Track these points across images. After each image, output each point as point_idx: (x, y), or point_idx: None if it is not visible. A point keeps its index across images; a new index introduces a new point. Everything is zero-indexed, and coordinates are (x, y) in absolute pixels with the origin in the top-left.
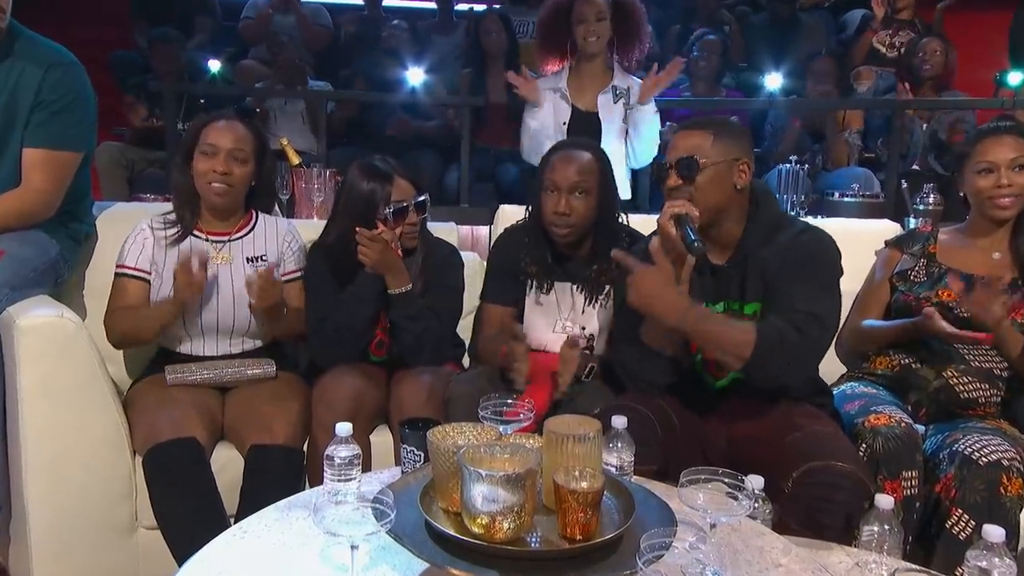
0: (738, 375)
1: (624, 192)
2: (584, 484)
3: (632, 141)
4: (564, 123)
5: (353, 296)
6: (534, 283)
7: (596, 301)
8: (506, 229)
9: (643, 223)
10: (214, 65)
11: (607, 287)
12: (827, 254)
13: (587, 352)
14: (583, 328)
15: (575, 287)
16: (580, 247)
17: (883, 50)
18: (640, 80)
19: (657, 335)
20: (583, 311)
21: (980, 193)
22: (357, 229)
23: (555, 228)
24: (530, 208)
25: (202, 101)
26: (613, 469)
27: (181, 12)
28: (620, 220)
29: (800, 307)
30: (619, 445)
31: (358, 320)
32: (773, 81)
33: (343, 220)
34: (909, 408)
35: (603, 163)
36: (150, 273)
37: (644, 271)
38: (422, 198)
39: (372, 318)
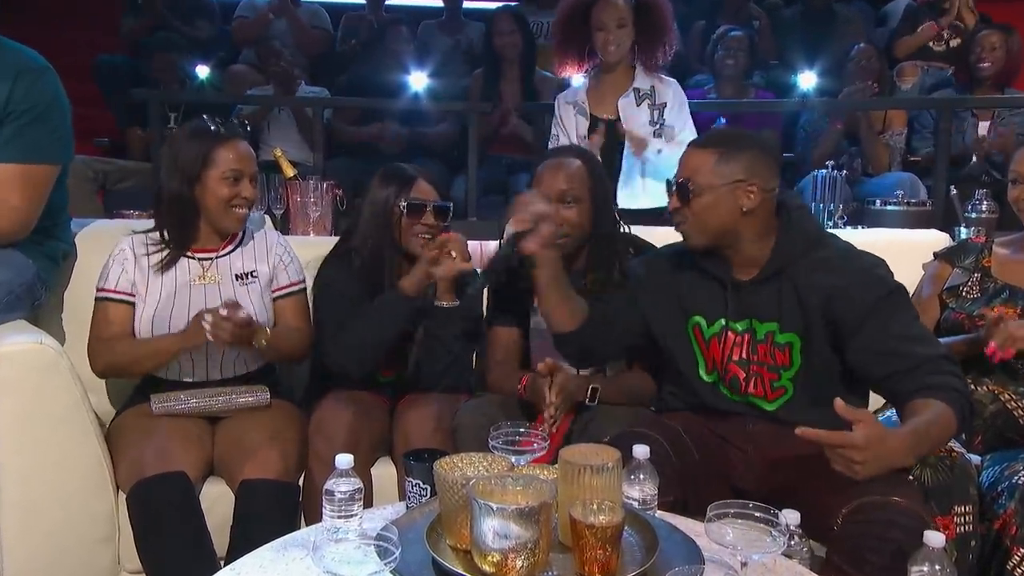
0: (754, 399)
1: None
2: (603, 518)
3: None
4: (584, 136)
5: (384, 312)
6: (532, 302)
7: None
8: None
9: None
10: (202, 71)
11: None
12: (893, 280)
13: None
14: None
15: None
16: (575, 260)
17: (930, 44)
18: (671, 80)
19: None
20: None
21: (1012, 204)
22: (443, 236)
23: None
24: None
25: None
26: (635, 503)
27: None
28: (620, 228)
29: (929, 352)
30: (641, 477)
31: (386, 338)
32: (807, 80)
33: (364, 230)
34: (963, 436)
35: (594, 169)
36: (133, 295)
37: (861, 438)
38: (444, 203)
39: (401, 336)
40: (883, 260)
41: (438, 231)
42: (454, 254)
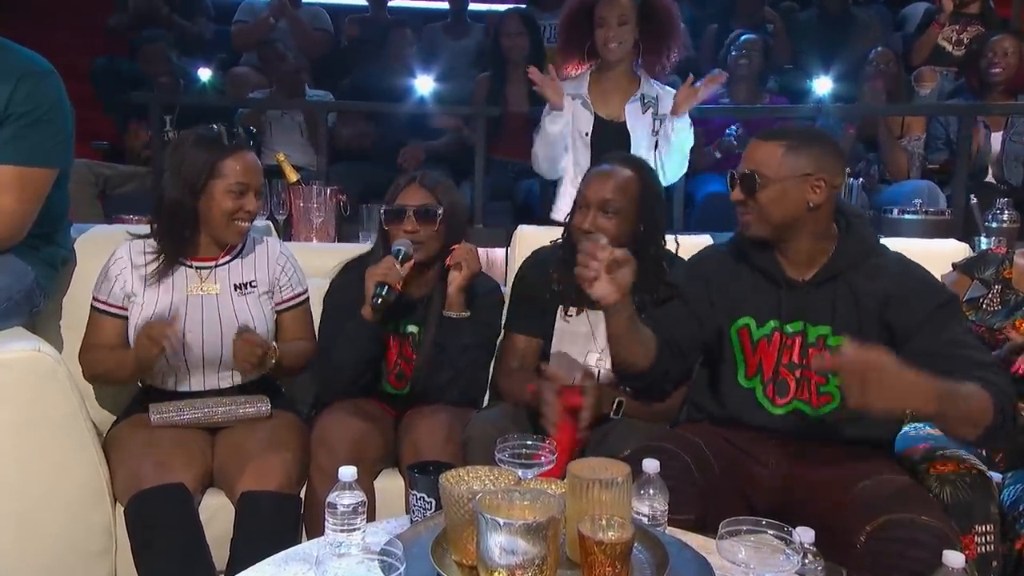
0: (800, 404)
1: None
2: (612, 534)
3: (662, 155)
4: (586, 133)
5: (346, 337)
6: (563, 305)
7: None
8: (533, 252)
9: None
10: (204, 74)
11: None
12: (949, 290)
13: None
14: None
15: None
16: None
17: (949, 48)
18: (672, 89)
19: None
20: None
21: None
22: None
23: (579, 246)
24: (567, 222)
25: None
26: (645, 519)
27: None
28: (665, 247)
29: (980, 358)
30: (651, 492)
31: (348, 363)
32: (822, 85)
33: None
34: (983, 452)
35: (646, 183)
36: (126, 308)
37: (872, 362)
38: (429, 208)
39: (364, 361)
40: (931, 273)
41: (425, 234)
42: (463, 265)
